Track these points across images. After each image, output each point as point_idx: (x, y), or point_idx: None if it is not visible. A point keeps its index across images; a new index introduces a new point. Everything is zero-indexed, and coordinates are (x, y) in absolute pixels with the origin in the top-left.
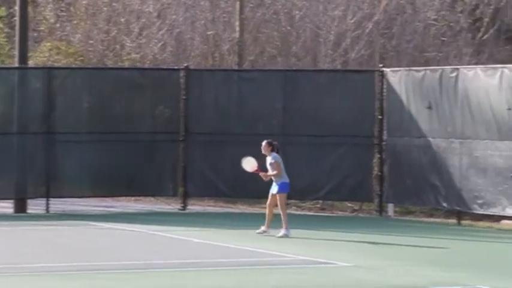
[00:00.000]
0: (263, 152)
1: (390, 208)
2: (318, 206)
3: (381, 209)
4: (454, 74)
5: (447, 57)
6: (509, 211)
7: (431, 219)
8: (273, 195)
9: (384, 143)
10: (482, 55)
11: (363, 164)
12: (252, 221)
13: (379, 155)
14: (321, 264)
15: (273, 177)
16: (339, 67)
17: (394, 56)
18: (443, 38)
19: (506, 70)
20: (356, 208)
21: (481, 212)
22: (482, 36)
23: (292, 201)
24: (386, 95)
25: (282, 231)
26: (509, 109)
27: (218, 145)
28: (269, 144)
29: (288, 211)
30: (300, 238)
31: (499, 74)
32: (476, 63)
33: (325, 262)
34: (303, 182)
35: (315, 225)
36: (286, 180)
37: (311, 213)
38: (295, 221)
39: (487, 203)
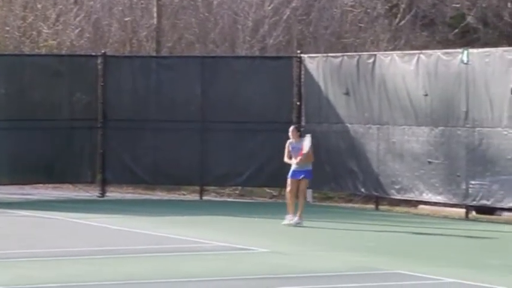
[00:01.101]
0: (292, 137)
1: (309, 194)
2: (237, 192)
3: None
4: (371, 60)
5: (364, 43)
6: (426, 196)
7: (350, 205)
8: (298, 180)
9: (302, 129)
10: (399, 41)
11: (281, 150)
12: (171, 207)
13: None
14: (239, 250)
15: (299, 163)
16: (257, 53)
17: (312, 42)
18: (360, 24)
19: (422, 56)
20: (275, 194)
21: (398, 197)
22: (399, 23)
23: (211, 187)
24: (304, 81)
25: (296, 219)
26: (426, 95)
27: (137, 132)
28: (297, 129)
29: (207, 197)
30: (219, 224)
31: (415, 60)
32: (393, 49)
33: (244, 248)
34: (222, 169)
35: (234, 211)
36: (311, 167)
37: (230, 199)
38: (214, 208)
39: (404, 188)
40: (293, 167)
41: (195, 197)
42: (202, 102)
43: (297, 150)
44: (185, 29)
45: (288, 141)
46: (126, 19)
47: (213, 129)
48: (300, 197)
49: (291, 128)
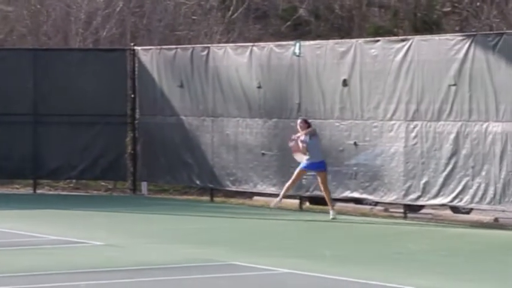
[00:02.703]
0: (300, 130)
1: (144, 186)
2: (72, 185)
3: (135, 188)
4: (204, 53)
5: (198, 35)
6: (261, 187)
7: (185, 197)
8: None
9: (136, 121)
10: (233, 33)
11: (116, 143)
12: (4, 201)
13: (132, 134)
14: (73, 243)
15: (303, 156)
16: (90, 46)
17: (146, 35)
18: (194, 17)
19: (255, 48)
20: (110, 187)
21: (233, 188)
22: (232, 15)
23: (45, 181)
24: (138, 73)
25: (332, 212)
26: (260, 87)
27: None
28: (305, 122)
29: (41, 191)
30: (53, 218)
31: (248, 52)
32: (226, 42)
33: (78, 241)
34: (56, 162)
35: (69, 204)
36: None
37: (65, 192)
38: (48, 201)
39: (238, 180)
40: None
41: (29, 190)
42: (35, 95)
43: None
44: (16, 21)
45: (297, 135)
46: None
47: (46, 122)
48: (324, 190)
49: (298, 120)
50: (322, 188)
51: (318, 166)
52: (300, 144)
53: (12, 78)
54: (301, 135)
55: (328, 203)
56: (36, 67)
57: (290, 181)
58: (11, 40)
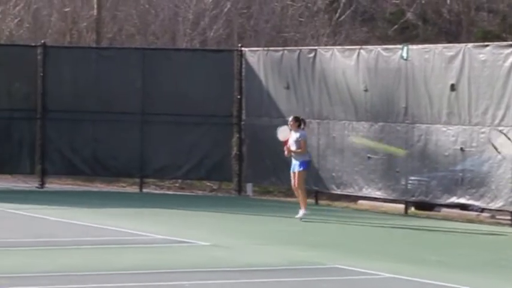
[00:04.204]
0: (290, 127)
1: (249, 187)
2: (177, 185)
3: (240, 189)
4: (311, 55)
5: (305, 37)
6: (366, 191)
7: (290, 199)
8: (294, 173)
9: (242, 122)
10: (339, 36)
11: (222, 144)
12: (111, 199)
13: (238, 135)
14: (179, 243)
15: (294, 155)
16: (197, 46)
17: (253, 36)
18: (300, 19)
19: (363, 51)
20: (215, 187)
21: (338, 192)
22: (339, 18)
23: (151, 180)
24: (245, 74)
25: (301, 212)
26: (366, 90)
27: (76, 123)
28: (296, 119)
29: (147, 190)
30: (158, 217)
31: (355, 55)
32: (333, 44)
33: (184, 241)
34: (162, 161)
35: (174, 204)
36: (308, 157)
37: (170, 192)
38: (154, 200)
39: (344, 183)
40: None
41: (135, 189)
42: (143, 94)
43: (294, 141)
44: (125, 21)
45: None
46: (66, 9)
47: (152, 121)
48: (299, 189)
49: (290, 118)
50: (298, 187)
51: (308, 163)
52: (295, 146)
53: (120, 77)
54: (292, 136)
55: (302, 202)
56: (144, 66)
57: (300, 190)
58: (119, 39)
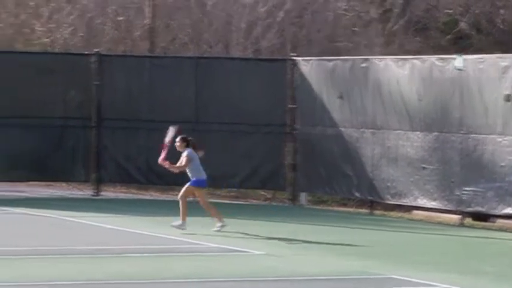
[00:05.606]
0: (178, 149)
1: (303, 197)
2: (232, 194)
3: (294, 198)
4: (365, 64)
5: (357, 47)
6: (421, 201)
7: (344, 209)
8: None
9: (296, 132)
10: (393, 46)
11: (275, 153)
12: (165, 208)
13: (291, 144)
14: (233, 252)
15: (188, 173)
16: (250, 55)
17: (305, 45)
18: (353, 28)
19: (416, 61)
20: (269, 197)
21: (392, 202)
22: (392, 27)
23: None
24: (298, 83)
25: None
26: (420, 100)
27: (130, 131)
28: (183, 140)
29: None
30: (213, 226)
31: (409, 65)
32: (386, 54)
33: (238, 250)
34: (216, 170)
35: (229, 213)
36: (201, 177)
37: (225, 201)
38: None
39: (398, 193)
40: None
41: (189, 198)
42: (196, 103)
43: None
44: (179, 30)
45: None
46: (120, 18)
47: (206, 130)
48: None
49: (177, 139)
50: (205, 206)
51: (198, 183)
52: (163, 153)
53: (173, 85)
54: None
55: (216, 215)
56: (197, 75)
57: (181, 201)
58: (173, 48)
